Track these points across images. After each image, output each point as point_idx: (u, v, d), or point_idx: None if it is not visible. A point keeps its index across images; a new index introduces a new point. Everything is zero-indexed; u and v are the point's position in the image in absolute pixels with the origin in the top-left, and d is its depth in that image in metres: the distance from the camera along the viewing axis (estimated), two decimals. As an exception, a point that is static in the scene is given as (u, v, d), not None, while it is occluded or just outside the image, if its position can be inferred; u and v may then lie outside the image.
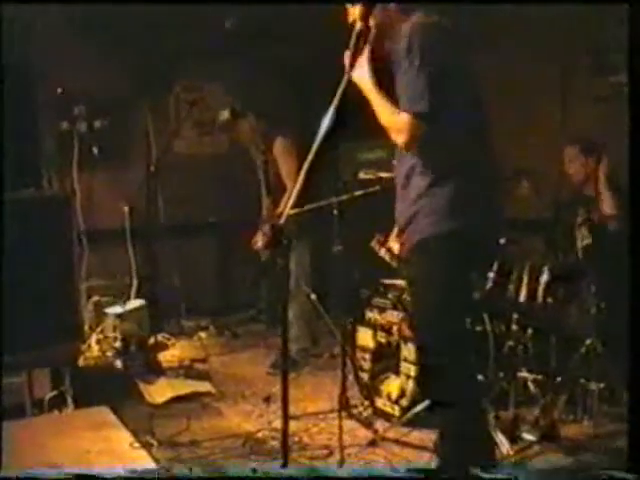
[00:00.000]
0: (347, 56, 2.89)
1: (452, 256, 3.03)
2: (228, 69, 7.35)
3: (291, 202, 2.53)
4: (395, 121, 2.91)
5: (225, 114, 5.89)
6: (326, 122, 2.62)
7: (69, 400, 4.80)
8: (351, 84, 2.86)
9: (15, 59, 4.84)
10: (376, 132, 3.11)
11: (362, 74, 2.92)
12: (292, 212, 2.57)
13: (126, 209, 6.57)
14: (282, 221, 2.53)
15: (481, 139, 3.07)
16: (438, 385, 3.20)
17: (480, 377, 4.60)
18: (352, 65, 2.76)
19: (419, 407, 4.19)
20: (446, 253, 3.02)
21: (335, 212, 4.72)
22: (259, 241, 5.86)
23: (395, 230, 3.63)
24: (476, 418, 3.25)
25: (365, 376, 4.82)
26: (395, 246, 3.81)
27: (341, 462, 3.75)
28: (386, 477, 3.38)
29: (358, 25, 2.78)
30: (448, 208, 3.01)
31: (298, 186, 2.52)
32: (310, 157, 2.56)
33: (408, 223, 3.17)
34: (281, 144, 5.74)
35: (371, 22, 2.84)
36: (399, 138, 2.93)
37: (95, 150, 6.72)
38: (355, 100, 2.93)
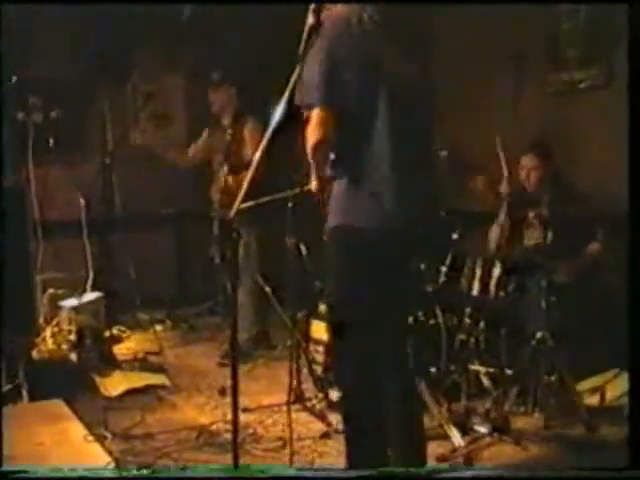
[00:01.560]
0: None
1: (340, 249, 3.05)
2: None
3: (241, 194, 2.54)
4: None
5: (216, 75, 6.04)
6: (277, 114, 2.63)
7: (24, 393, 4.77)
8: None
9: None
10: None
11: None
12: (244, 206, 2.57)
13: (82, 201, 6.52)
14: (232, 214, 2.53)
15: (399, 138, 3.02)
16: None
17: (432, 370, 4.67)
18: (303, 59, 2.76)
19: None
20: (334, 246, 3.06)
21: (290, 204, 4.73)
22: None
23: None
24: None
25: (319, 369, 4.85)
26: None
27: (291, 454, 3.74)
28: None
29: (310, 19, 2.79)
30: (338, 204, 3.03)
31: (249, 179, 2.53)
32: (261, 149, 2.57)
33: None
34: (253, 125, 5.81)
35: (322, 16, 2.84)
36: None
37: (51, 141, 6.67)
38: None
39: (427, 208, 3.18)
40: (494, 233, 5.13)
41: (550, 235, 4.69)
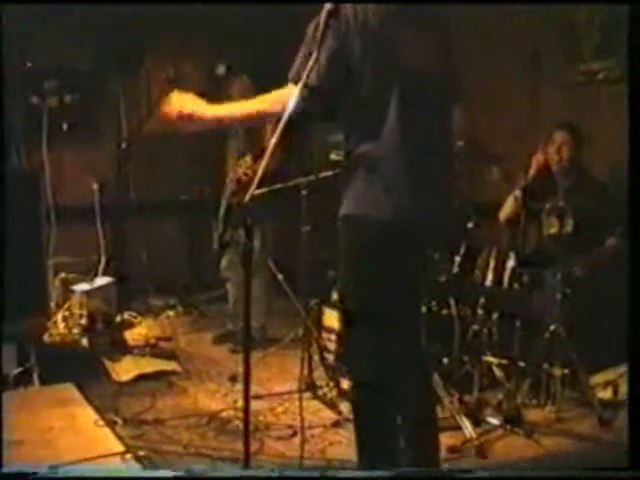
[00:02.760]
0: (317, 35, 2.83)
1: (351, 238, 3.03)
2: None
3: (256, 181, 2.52)
4: None
5: (221, 69, 5.94)
6: (292, 101, 2.61)
7: (35, 377, 4.78)
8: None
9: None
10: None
11: None
12: (258, 192, 2.55)
13: (95, 186, 6.52)
14: (247, 200, 2.51)
15: (413, 131, 2.96)
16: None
17: (445, 360, 4.66)
18: (321, 44, 2.74)
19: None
20: (346, 234, 3.02)
21: (304, 192, 4.72)
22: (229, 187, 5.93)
23: None
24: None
25: (330, 357, 4.84)
26: None
27: (302, 443, 3.73)
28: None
29: (328, 5, 2.76)
30: (352, 193, 3.00)
31: (263, 165, 2.51)
32: (276, 136, 2.54)
33: None
34: None
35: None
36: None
37: (65, 126, 6.66)
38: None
39: (442, 203, 3.14)
40: (508, 204, 5.12)
41: (570, 224, 4.67)
